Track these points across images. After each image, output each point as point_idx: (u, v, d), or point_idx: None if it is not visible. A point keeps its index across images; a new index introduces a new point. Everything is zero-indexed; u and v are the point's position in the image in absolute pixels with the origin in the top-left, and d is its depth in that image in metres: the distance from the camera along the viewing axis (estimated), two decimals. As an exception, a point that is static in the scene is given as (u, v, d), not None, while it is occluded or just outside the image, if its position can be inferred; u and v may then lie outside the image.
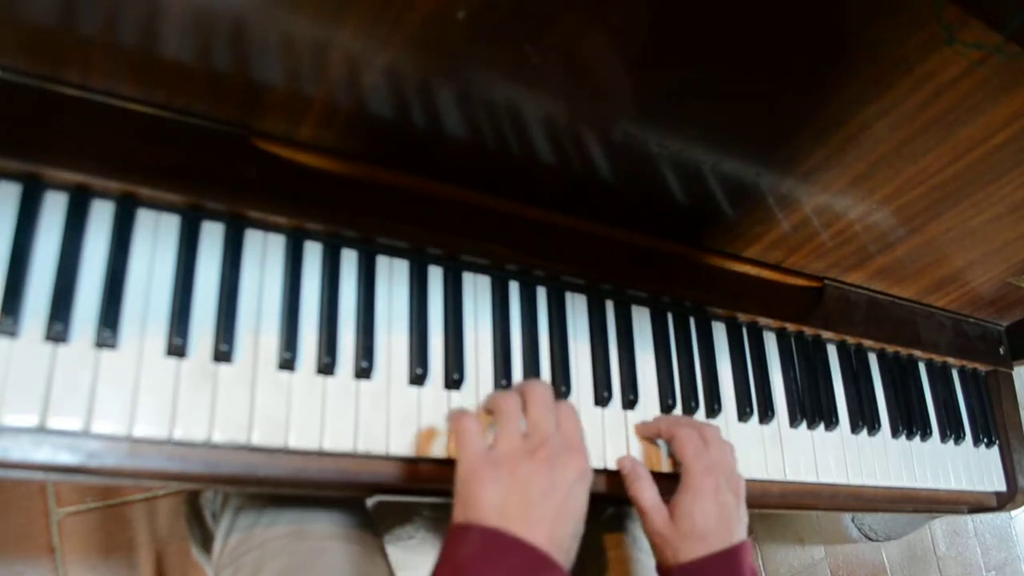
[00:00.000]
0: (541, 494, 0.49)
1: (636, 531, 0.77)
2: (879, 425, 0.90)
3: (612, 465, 0.67)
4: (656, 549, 0.62)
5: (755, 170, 0.68)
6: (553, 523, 0.49)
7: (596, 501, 0.65)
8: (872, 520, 1.71)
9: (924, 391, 0.98)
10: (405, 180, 0.63)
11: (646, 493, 0.63)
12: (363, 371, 0.58)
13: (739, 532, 0.62)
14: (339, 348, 0.58)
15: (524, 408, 0.55)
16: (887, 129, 0.64)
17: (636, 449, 0.69)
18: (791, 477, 0.80)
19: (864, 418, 0.88)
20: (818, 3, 0.52)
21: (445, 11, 0.49)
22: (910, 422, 0.93)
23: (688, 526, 0.60)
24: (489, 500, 0.49)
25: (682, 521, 0.60)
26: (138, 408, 0.50)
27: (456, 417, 0.55)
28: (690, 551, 0.60)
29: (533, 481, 0.49)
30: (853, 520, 1.74)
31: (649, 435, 0.69)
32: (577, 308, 0.72)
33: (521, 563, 0.47)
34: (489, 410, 0.58)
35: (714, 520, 0.60)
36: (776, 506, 0.80)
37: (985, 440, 1.02)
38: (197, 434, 0.51)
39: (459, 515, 0.50)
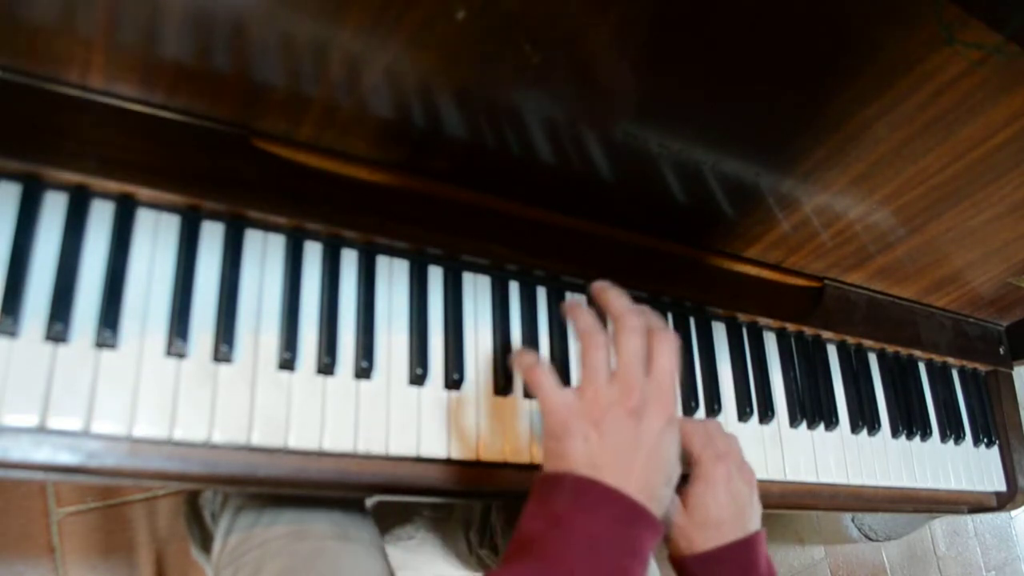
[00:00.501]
0: (630, 445, 0.48)
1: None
2: (879, 425, 0.90)
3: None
4: (668, 539, 0.61)
5: (755, 170, 0.68)
6: (644, 473, 0.48)
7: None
8: (872, 520, 1.71)
9: (924, 391, 0.98)
10: (405, 180, 0.63)
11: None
12: (363, 371, 0.58)
13: (754, 521, 0.61)
14: (339, 348, 0.58)
15: (615, 345, 0.52)
16: (887, 129, 0.64)
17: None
18: (791, 477, 0.80)
19: (864, 418, 0.88)
20: (818, 3, 0.52)
21: (445, 11, 0.49)
22: (910, 422, 0.93)
23: (702, 516, 0.59)
24: (580, 451, 0.48)
25: (696, 511, 0.59)
26: (138, 408, 0.50)
27: (528, 367, 0.52)
28: (705, 541, 0.59)
29: (622, 432, 0.48)
30: (853, 520, 1.74)
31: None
32: (577, 308, 0.72)
33: (616, 513, 0.47)
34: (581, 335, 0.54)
35: (728, 509, 0.59)
36: (776, 506, 0.80)
37: (985, 440, 1.02)
38: (197, 434, 0.51)
39: (549, 467, 0.49)
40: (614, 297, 0.54)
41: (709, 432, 0.64)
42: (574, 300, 0.54)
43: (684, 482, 0.62)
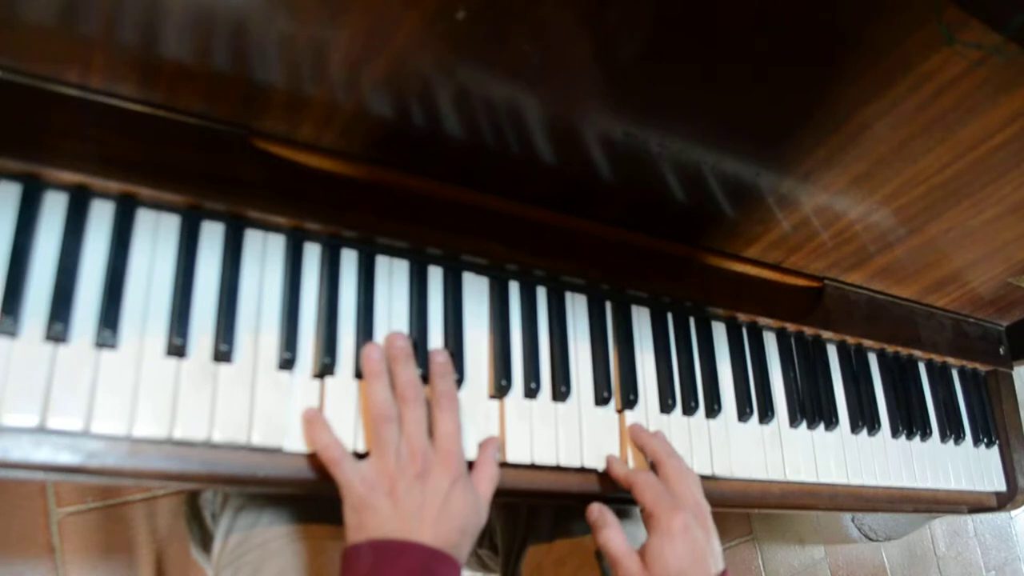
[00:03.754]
0: (420, 504, 0.54)
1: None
2: (879, 425, 0.90)
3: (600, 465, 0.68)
4: None
5: (755, 170, 0.68)
6: (435, 526, 0.54)
7: (595, 501, 0.65)
8: (872, 520, 1.71)
9: (924, 391, 0.98)
10: (405, 180, 0.63)
11: (615, 540, 0.62)
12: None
13: (715, 566, 0.61)
14: (339, 348, 0.58)
15: (400, 424, 0.56)
16: (887, 129, 0.64)
17: (631, 451, 0.69)
18: (791, 477, 0.80)
19: (864, 418, 0.88)
20: (818, 3, 0.52)
21: (445, 11, 0.49)
22: (910, 422, 0.93)
23: (661, 569, 0.59)
24: (375, 522, 0.53)
25: (655, 565, 0.59)
26: (138, 408, 0.50)
27: (323, 447, 0.54)
28: None
29: (410, 495, 0.54)
30: (853, 520, 1.74)
31: (617, 478, 0.67)
32: (577, 308, 0.72)
33: (412, 560, 0.52)
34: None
35: (687, 560, 0.60)
36: (776, 506, 0.80)
37: (985, 440, 1.02)
38: (197, 434, 0.51)
39: (351, 538, 0.54)
40: (399, 371, 0.58)
41: (665, 476, 0.64)
42: (374, 363, 0.58)
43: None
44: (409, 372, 0.58)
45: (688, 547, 0.60)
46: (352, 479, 0.54)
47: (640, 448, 0.69)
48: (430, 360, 0.60)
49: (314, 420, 0.55)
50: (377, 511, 0.53)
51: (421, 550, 0.52)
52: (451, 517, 0.54)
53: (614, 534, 0.62)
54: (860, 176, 0.70)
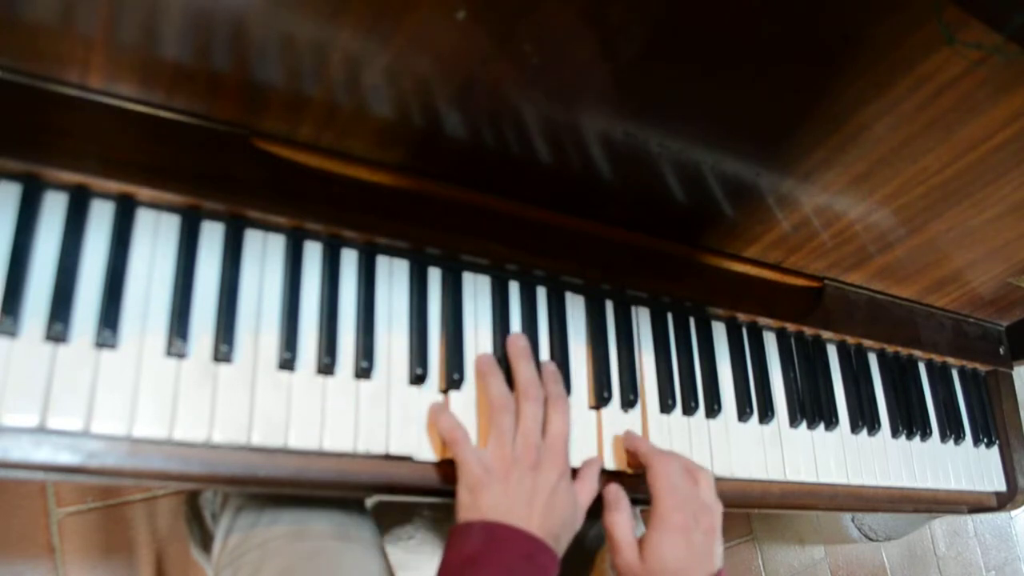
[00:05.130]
0: (529, 494, 0.57)
1: None
2: (879, 425, 0.90)
3: (610, 465, 0.68)
4: None
5: (755, 170, 0.68)
6: (543, 517, 0.57)
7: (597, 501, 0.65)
8: (872, 520, 1.71)
9: (924, 391, 0.98)
10: (405, 180, 0.63)
11: (622, 525, 0.62)
12: (363, 371, 0.58)
13: (709, 567, 0.61)
14: (339, 348, 0.58)
15: (518, 411, 0.61)
16: (887, 129, 0.64)
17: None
18: (791, 477, 0.80)
19: (864, 418, 0.88)
20: (818, 3, 0.52)
21: (445, 11, 0.49)
22: (910, 422, 0.93)
23: (657, 564, 0.59)
24: (488, 503, 0.56)
25: (651, 558, 0.60)
26: (138, 408, 0.50)
27: (448, 430, 0.59)
28: None
29: (522, 484, 0.58)
30: (853, 520, 1.74)
31: (630, 449, 0.68)
32: (577, 308, 0.72)
33: (522, 547, 0.55)
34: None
35: (683, 559, 0.60)
36: (776, 506, 0.80)
37: (985, 440, 1.02)
38: (197, 434, 0.51)
39: (462, 517, 0.57)
40: (522, 368, 0.63)
41: (674, 476, 0.64)
42: (486, 363, 0.63)
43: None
44: (531, 370, 0.63)
45: (684, 546, 0.60)
46: (470, 459, 0.57)
47: (648, 457, 0.67)
48: (543, 368, 0.65)
49: (438, 409, 0.60)
50: (491, 493, 0.56)
51: (529, 539, 0.55)
52: (556, 510, 0.58)
53: (622, 519, 0.63)
54: (860, 176, 0.70)
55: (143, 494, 1.00)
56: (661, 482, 0.63)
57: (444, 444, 0.59)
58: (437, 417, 0.60)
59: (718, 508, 0.65)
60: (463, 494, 0.57)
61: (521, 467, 0.58)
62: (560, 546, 0.58)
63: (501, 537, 0.55)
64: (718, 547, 0.63)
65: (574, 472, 0.64)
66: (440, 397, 0.62)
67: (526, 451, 0.59)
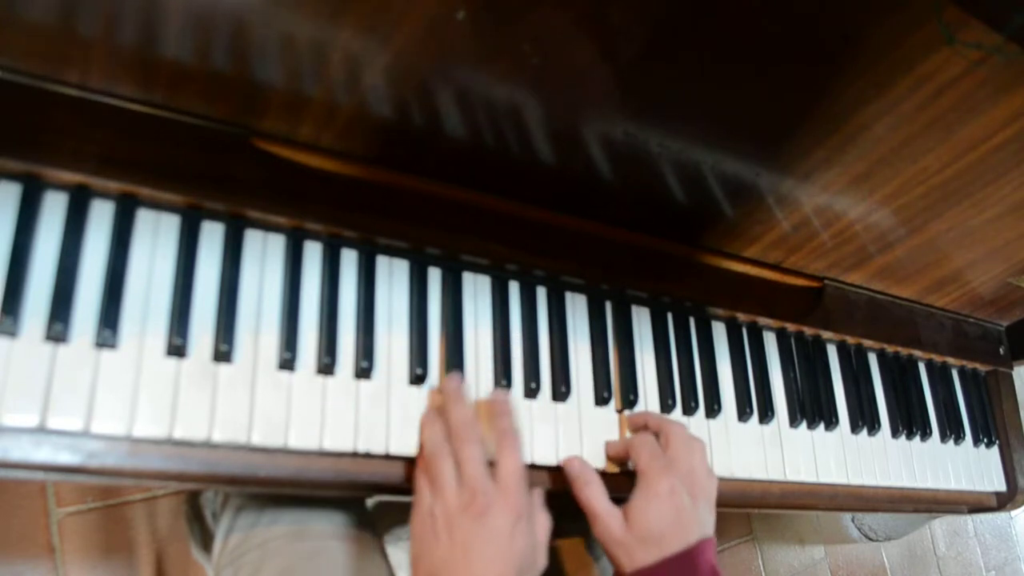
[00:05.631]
0: (480, 546, 0.53)
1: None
2: (879, 425, 0.90)
3: (610, 467, 0.68)
4: (611, 555, 0.61)
5: (755, 170, 0.68)
6: (500, 566, 0.53)
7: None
8: (872, 520, 1.71)
9: (924, 391, 0.98)
10: (405, 180, 0.63)
11: (597, 497, 0.62)
12: (363, 371, 0.58)
13: (697, 532, 0.60)
14: (339, 348, 0.58)
15: (457, 463, 0.56)
16: (887, 129, 0.64)
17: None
18: (791, 477, 0.80)
19: (864, 418, 0.88)
20: (818, 3, 0.52)
21: (445, 11, 0.49)
22: (910, 422, 0.93)
23: (643, 529, 0.59)
24: (437, 561, 0.53)
25: (636, 524, 0.59)
26: (138, 408, 0.50)
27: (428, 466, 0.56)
28: (646, 555, 0.59)
29: (471, 537, 0.53)
30: (853, 520, 1.74)
31: (618, 454, 0.67)
32: (577, 308, 0.72)
33: None
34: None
35: (668, 523, 0.59)
36: (776, 506, 0.80)
37: (985, 440, 1.02)
38: (197, 434, 0.51)
39: (414, 570, 0.54)
40: (452, 411, 0.58)
41: (666, 437, 0.64)
42: (426, 415, 0.59)
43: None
44: (462, 411, 0.58)
45: (672, 510, 0.60)
46: (416, 512, 0.55)
47: (643, 426, 0.69)
48: (492, 401, 0.61)
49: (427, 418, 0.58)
50: (436, 547, 0.53)
51: None
52: (514, 556, 0.54)
53: (596, 491, 0.62)
54: (860, 176, 0.70)
55: (143, 494, 1.00)
56: (643, 452, 0.63)
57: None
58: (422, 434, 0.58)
59: (708, 477, 0.65)
60: (413, 544, 0.54)
61: (467, 516, 0.53)
62: None
63: None
64: (707, 513, 0.63)
65: None
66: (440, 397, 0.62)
67: (471, 499, 0.54)
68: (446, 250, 0.64)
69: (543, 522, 0.59)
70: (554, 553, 0.74)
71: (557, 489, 0.65)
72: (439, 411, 0.59)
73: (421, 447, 0.58)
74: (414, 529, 0.55)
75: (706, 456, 0.66)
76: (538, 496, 0.60)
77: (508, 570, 0.53)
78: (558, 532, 0.74)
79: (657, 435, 0.67)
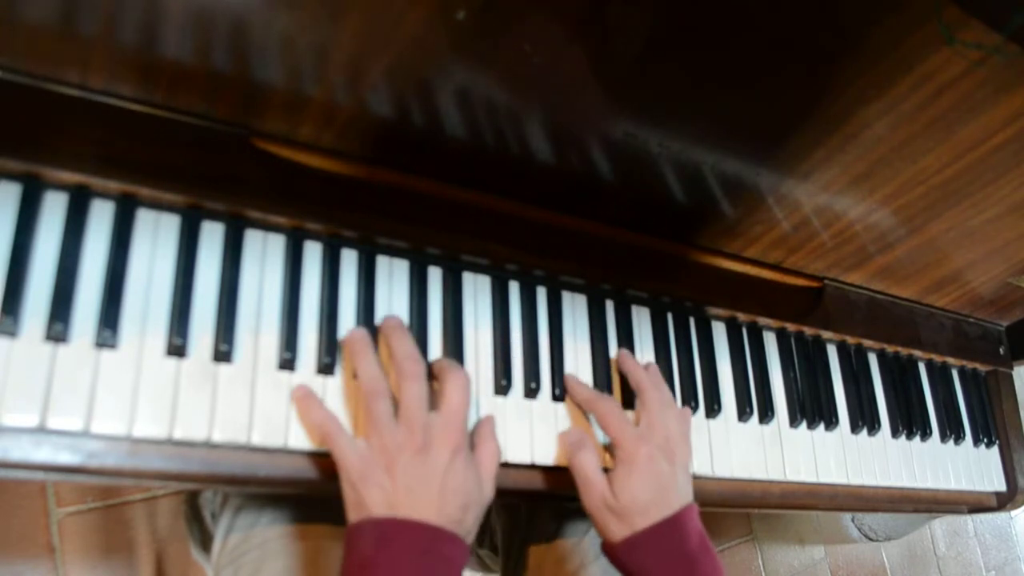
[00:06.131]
0: (420, 480, 0.52)
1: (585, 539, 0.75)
2: (879, 425, 0.90)
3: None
4: (598, 524, 0.62)
5: (755, 170, 0.68)
6: (438, 502, 0.52)
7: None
8: (872, 520, 1.71)
9: (924, 391, 0.98)
10: (405, 180, 0.63)
11: (590, 463, 0.62)
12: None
13: (679, 499, 0.61)
14: (339, 348, 0.58)
15: (397, 398, 0.55)
16: (887, 129, 0.64)
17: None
18: (791, 477, 0.80)
19: (864, 418, 0.88)
20: (818, 3, 0.52)
21: (445, 11, 0.49)
22: (910, 422, 0.94)
23: (627, 499, 0.60)
24: (376, 497, 0.51)
25: (620, 495, 0.60)
26: (138, 408, 0.50)
27: (317, 422, 0.54)
28: (632, 524, 0.60)
29: (409, 471, 0.52)
30: (853, 520, 1.74)
31: (577, 402, 0.67)
32: (577, 308, 0.72)
33: (414, 540, 0.50)
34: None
35: (651, 491, 0.60)
36: (776, 506, 0.80)
37: (985, 440, 1.02)
38: (197, 434, 0.51)
39: (352, 517, 0.52)
40: (395, 344, 0.57)
41: (621, 413, 0.64)
42: (357, 342, 0.57)
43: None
44: (406, 344, 0.57)
45: (653, 478, 0.60)
46: (348, 453, 0.52)
47: (625, 374, 0.69)
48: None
49: (305, 397, 0.54)
50: (375, 487, 0.51)
51: (424, 528, 0.51)
52: (453, 493, 0.53)
53: (590, 456, 0.62)
54: (860, 176, 0.70)
55: (143, 494, 1.00)
56: (611, 420, 0.63)
57: (318, 440, 0.54)
58: (306, 410, 0.54)
59: (682, 443, 0.65)
60: (347, 492, 0.53)
61: (406, 453, 0.52)
62: (466, 527, 0.54)
63: (391, 535, 0.50)
64: (685, 479, 0.64)
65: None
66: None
67: (410, 434, 0.53)
68: (446, 250, 0.64)
69: (492, 451, 0.58)
70: (553, 554, 0.74)
71: (558, 491, 0.65)
72: (363, 347, 0.56)
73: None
74: (346, 476, 0.52)
75: (682, 422, 0.66)
76: (488, 424, 0.60)
77: (454, 503, 0.53)
78: (564, 532, 0.74)
79: (635, 394, 0.68)
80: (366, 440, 0.53)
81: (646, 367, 0.70)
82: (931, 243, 0.82)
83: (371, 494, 0.51)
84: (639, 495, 0.60)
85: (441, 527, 0.51)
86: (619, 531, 0.60)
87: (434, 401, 0.57)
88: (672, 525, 0.60)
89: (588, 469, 0.62)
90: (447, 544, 0.51)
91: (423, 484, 0.52)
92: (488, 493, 0.56)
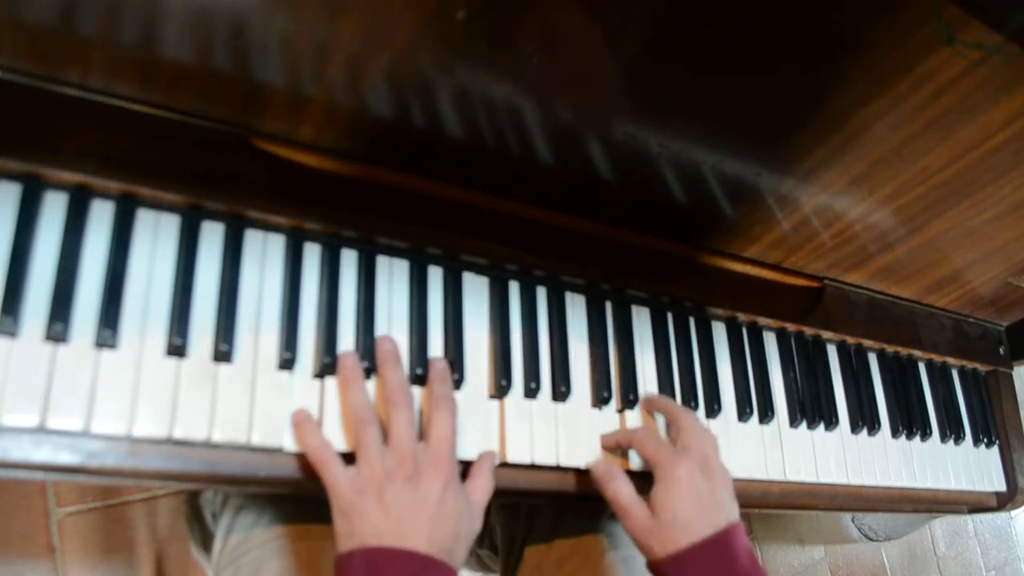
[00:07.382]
0: (411, 510, 0.52)
1: (614, 529, 0.76)
2: (879, 425, 0.90)
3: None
4: (642, 546, 0.61)
5: (755, 170, 0.68)
6: (429, 531, 0.52)
7: (597, 501, 0.65)
8: (872, 520, 1.71)
9: (924, 391, 0.98)
10: (405, 180, 0.63)
11: (623, 490, 0.62)
12: (363, 371, 0.58)
13: (724, 516, 0.61)
14: (339, 348, 0.58)
15: (386, 427, 0.55)
16: (887, 129, 0.64)
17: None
18: (791, 477, 0.80)
19: (864, 418, 0.88)
20: (818, 3, 0.52)
21: (445, 11, 0.49)
22: (910, 422, 0.93)
23: (669, 515, 0.60)
24: (364, 527, 0.52)
25: (663, 512, 0.60)
26: (138, 408, 0.50)
27: (312, 449, 0.54)
28: (677, 540, 0.59)
29: (400, 501, 0.52)
30: (853, 520, 1.74)
31: (617, 444, 0.68)
32: (577, 308, 0.72)
33: (405, 569, 0.50)
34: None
35: (693, 507, 0.60)
36: (776, 506, 0.80)
37: (985, 440, 1.02)
38: (197, 434, 0.51)
39: (342, 546, 0.53)
40: (386, 374, 0.58)
41: (657, 436, 0.65)
42: (348, 369, 0.57)
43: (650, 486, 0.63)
44: (397, 375, 0.58)
45: (693, 494, 0.61)
46: (340, 482, 0.52)
47: (656, 410, 0.70)
48: (430, 366, 0.60)
49: (303, 422, 0.54)
50: (366, 516, 0.52)
51: (414, 557, 0.51)
52: (444, 522, 0.53)
53: (622, 486, 0.62)
54: (860, 176, 0.70)
55: (143, 494, 1.00)
56: (648, 445, 0.64)
57: (312, 468, 0.54)
58: (303, 436, 0.54)
59: (721, 466, 0.65)
60: (338, 521, 0.53)
61: (396, 481, 0.53)
62: (456, 557, 0.54)
63: (383, 564, 0.50)
64: (728, 498, 0.63)
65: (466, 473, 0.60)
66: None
67: (400, 463, 0.53)
68: (446, 250, 0.64)
69: (485, 485, 0.58)
70: (553, 554, 0.74)
71: (559, 490, 0.66)
72: (354, 376, 0.57)
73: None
74: (337, 506, 0.53)
75: (718, 447, 0.66)
76: (488, 459, 0.60)
77: (444, 532, 0.53)
78: (564, 532, 0.74)
79: (668, 424, 0.69)
80: (356, 467, 0.54)
81: (669, 399, 0.72)
82: (931, 243, 0.82)
83: (362, 523, 0.52)
84: (680, 511, 0.60)
85: (431, 556, 0.51)
86: (663, 549, 0.59)
87: (423, 430, 0.57)
88: (719, 542, 0.59)
89: (622, 496, 0.62)
90: (437, 572, 0.52)
91: (413, 513, 0.52)
92: (477, 525, 0.57)
